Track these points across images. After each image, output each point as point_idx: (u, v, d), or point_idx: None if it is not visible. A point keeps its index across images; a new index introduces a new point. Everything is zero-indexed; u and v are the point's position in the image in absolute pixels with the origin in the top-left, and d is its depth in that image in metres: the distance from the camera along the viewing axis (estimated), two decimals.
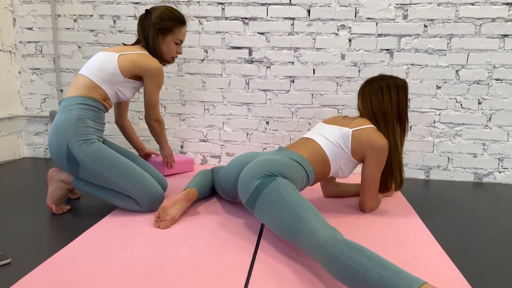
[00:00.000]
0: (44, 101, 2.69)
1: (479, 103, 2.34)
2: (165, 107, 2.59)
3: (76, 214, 1.75)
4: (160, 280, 1.18)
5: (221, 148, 2.58)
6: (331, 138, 1.69)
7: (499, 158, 2.37)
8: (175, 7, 2.30)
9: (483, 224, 1.72)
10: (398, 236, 1.54)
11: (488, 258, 1.40)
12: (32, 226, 1.60)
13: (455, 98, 2.35)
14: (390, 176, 1.72)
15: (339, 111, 2.44)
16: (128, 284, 1.16)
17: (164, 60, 1.98)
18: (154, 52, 1.91)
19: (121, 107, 2.12)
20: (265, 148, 2.55)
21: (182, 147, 2.62)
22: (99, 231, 1.54)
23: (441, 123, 2.38)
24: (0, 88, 2.53)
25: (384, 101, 1.70)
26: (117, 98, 1.85)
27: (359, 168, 2.39)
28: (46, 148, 2.76)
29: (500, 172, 2.39)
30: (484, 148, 2.38)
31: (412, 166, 2.45)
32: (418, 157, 2.43)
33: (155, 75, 1.84)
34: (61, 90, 2.65)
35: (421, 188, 2.28)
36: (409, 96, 2.37)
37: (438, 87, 2.34)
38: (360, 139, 1.66)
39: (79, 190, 1.76)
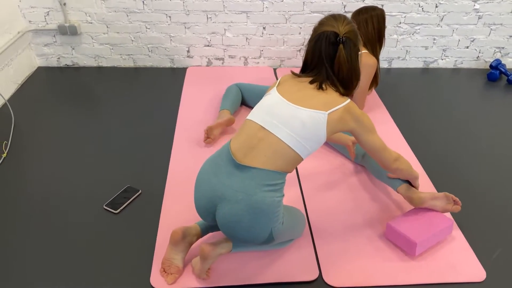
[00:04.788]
0: (48, 14, 2.78)
1: (436, 7, 2.88)
2: (170, 17, 2.83)
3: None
4: None
5: (224, 52, 2.99)
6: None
7: (443, 49, 3.07)
8: None
9: (426, 103, 2.53)
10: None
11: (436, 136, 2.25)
12: (133, 148, 2.14)
13: (418, 3, 2.86)
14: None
15: None
16: None
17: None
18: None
19: None
20: (262, 50, 3.00)
21: (188, 51, 2.98)
22: None
23: (405, 23, 2.94)
24: (2, 7, 2.59)
25: (369, 31, 2.24)
26: None
27: None
28: (59, 58, 2.97)
29: (442, 60, 3.12)
30: (434, 42, 3.03)
31: (380, 58, 3.09)
32: (384, 51, 3.05)
33: None
34: (64, 4, 2.74)
35: (385, 75, 3.01)
36: (384, 3, 2.83)
37: None
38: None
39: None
